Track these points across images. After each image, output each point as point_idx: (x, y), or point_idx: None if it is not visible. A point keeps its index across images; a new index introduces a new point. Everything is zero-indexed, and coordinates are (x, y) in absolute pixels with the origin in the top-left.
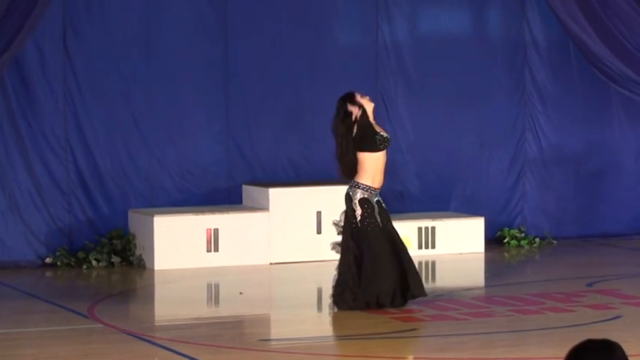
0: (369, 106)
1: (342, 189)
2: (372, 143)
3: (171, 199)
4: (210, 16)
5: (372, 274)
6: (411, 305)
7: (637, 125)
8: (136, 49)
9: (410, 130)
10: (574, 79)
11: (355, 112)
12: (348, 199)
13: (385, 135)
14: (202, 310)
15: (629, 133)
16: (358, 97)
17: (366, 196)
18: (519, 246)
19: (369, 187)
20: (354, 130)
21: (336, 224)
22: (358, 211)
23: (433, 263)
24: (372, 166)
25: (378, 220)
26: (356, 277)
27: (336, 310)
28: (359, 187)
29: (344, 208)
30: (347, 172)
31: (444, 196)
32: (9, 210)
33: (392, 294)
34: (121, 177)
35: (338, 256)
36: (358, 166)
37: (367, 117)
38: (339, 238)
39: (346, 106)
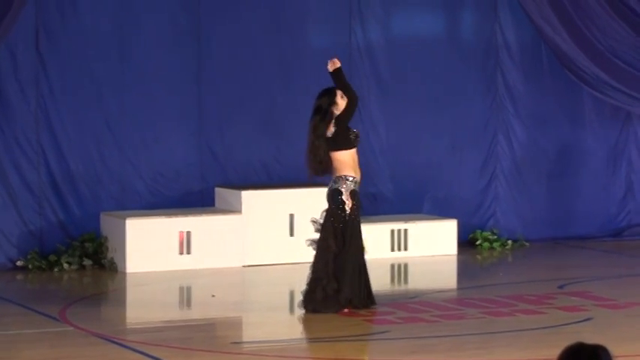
0: (343, 105)
1: (315, 191)
2: (347, 141)
3: (143, 201)
4: (184, 19)
5: (347, 275)
6: (383, 307)
7: (609, 127)
8: (109, 52)
9: (383, 132)
10: (546, 82)
11: (336, 111)
12: (336, 193)
13: (356, 131)
14: (174, 313)
15: (601, 135)
16: (339, 97)
17: (354, 188)
18: (491, 248)
19: (355, 178)
20: (331, 129)
21: (314, 222)
22: (348, 204)
23: (405, 265)
24: (350, 159)
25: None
26: (332, 276)
27: (303, 311)
28: (347, 180)
29: (325, 206)
30: (318, 168)
31: (417, 198)
32: None
33: (359, 296)
34: (93, 180)
35: (312, 256)
36: (337, 164)
37: (344, 116)
38: (316, 236)
39: (329, 105)
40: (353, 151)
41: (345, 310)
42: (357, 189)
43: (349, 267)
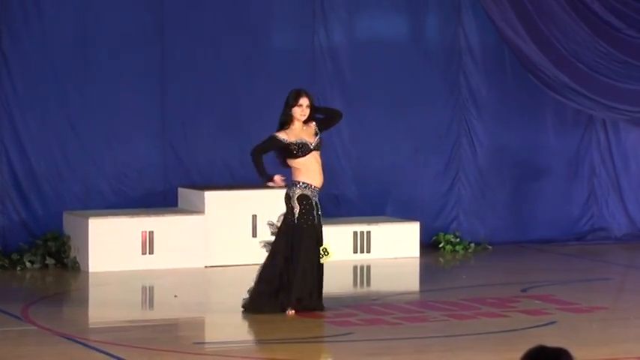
0: (299, 119)
1: (278, 192)
2: (289, 153)
3: (106, 201)
4: (147, 19)
5: (297, 275)
6: (346, 309)
7: (571, 131)
8: (71, 51)
9: (346, 134)
10: (509, 85)
11: (300, 115)
12: (287, 198)
13: (300, 141)
14: (137, 313)
15: (564, 139)
16: (300, 100)
17: (305, 193)
18: (454, 251)
19: (308, 184)
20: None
21: (270, 224)
22: (296, 209)
23: (368, 267)
24: (302, 166)
25: (315, 218)
26: (277, 279)
27: (243, 310)
28: (297, 186)
29: (283, 210)
30: (280, 162)
31: (380, 200)
32: None
33: (309, 297)
34: (55, 178)
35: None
36: (292, 169)
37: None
38: (271, 238)
39: (288, 101)
40: (304, 159)
41: (291, 312)
42: (309, 194)
43: (298, 270)
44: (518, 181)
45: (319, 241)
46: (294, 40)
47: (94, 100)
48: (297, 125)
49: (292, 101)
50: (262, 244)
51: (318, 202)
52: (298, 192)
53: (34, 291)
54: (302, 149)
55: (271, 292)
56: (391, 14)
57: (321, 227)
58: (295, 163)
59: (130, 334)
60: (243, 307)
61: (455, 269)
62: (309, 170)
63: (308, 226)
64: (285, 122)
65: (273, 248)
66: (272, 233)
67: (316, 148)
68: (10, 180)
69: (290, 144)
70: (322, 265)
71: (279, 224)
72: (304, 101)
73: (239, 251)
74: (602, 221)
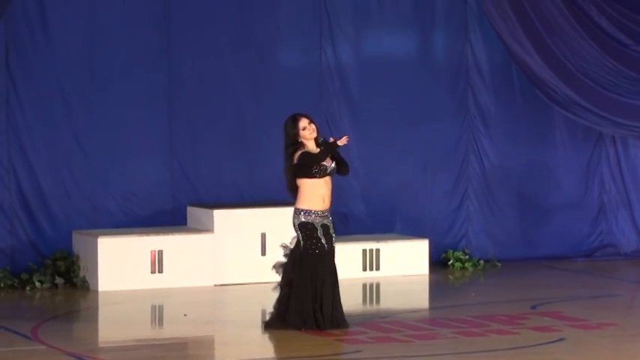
0: (309, 140)
1: (286, 210)
2: (308, 172)
3: (115, 220)
4: (154, 39)
5: (298, 299)
6: (355, 327)
7: (580, 147)
8: (79, 70)
9: (354, 152)
10: (517, 102)
11: (307, 137)
12: (293, 224)
13: (325, 165)
14: (146, 332)
15: (572, 156)
16: (303, 123)
17: (305, 220)
18: (464, 268)
19: (308, 210)
20: (295, 158)
21: (284, 247)
22: (300, 236)
23: (377, 285)
24: (308, 191)
25: (323, 240)
26: (285, 300)
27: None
28: (298, 213)
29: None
30: (290, 190)
31: (389, 218)
32: None
33: (307, 322)
34: (64, 198)
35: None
36: (299, 191)
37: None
38: (282, 260)
39: (289, 132)
40: (314, 180)
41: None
42: (310, 219)
43: (302, 294)
44: (528, 197)
45: (330, 265)
46: (301, 58)
47: (102, 120)
48: (311, 145)
49: (293, 129)
50: (274, 265)
51: (328, 224)
52: (300, 219)
53: (44, 310)
54: (320, 173)
55: (280, 314)
56: (398, 31)
57: (333, 252)
58: (305, 183)
59: (140, 353)
60: (265, 323)
61: (464, 286)
62: (314, 195)
63: (312, 250)
64: (296, 151)
65: (284, 270)
66: (284, 255)
67: (330, 173)
68: (18, 200)
69: (315, 164)
70: (337, 286)
71: (292, 246)
72: (304, 122)
73: (248, 269)
74: (612, 238)
